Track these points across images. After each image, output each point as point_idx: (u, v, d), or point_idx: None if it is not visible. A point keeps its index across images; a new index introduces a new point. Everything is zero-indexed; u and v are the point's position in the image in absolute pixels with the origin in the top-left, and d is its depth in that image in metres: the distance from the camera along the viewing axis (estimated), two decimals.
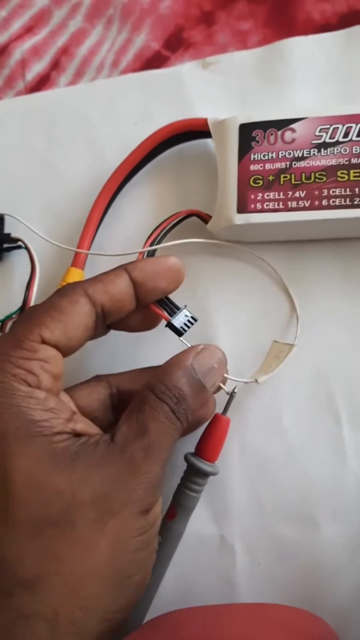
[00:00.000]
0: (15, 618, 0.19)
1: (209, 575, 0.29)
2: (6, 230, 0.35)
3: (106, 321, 0.26)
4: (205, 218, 0.31)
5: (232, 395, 0.28)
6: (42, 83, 0.37)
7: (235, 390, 0.28)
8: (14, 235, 0.34)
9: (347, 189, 0.27)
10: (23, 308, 0.32)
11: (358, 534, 0.28)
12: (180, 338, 0.29)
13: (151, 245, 0.31)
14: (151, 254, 0.31)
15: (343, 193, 0.28)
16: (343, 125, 0.28)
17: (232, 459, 0.30)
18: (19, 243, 0.33)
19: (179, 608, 0.27)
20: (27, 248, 0.33)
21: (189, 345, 0.29)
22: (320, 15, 0.33)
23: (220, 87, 0.34)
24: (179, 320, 0.29)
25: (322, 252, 0.31)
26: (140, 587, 0.22)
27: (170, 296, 0.30)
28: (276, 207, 0.28)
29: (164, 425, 0.23)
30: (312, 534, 0.28)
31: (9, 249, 0.35)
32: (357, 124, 0.28)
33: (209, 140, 0.33)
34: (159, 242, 0.30)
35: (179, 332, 0.29)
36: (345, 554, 0.28)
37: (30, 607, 0.19)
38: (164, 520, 0.28)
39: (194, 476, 0.27)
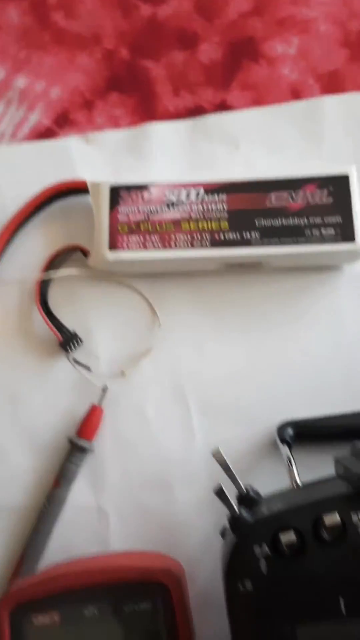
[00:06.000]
0: None
1: (88, 538, 0.36)
2: None
3: None
4: (86, 252, 0.40)
5: (104, 390, 0.37)
6: None
7: (107, 386, 0.37)
8: None
9: (188, 235, 0.38)
10: None
11: (204, 495, 0.36)
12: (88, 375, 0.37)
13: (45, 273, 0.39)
14: (46, 282, 0.39)
15: (185, 238, 0.38)
16: (185, 189, 0.38)
17: (107, 443, 0.37)
18: None
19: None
20: None
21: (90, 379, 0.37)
22: (174, 108, 0.45)
23: (97, 157, 0.43)
24: (67, 341, 0.38)
25: (175, 281, 0.40)
26: None
27: (61, 318, 0.38)
28: (138, 247, 0.38)
29: None
30: (169, 498, 0.37)
31: None
32: (194, 189, 0.38)
33: (88, 196, 0.42)
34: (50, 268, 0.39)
35: (66, 350, 0.38)
36: (194, 512, 0.36)
37: None
38: (51, 488, 0.35)
39: (74, 451, 0.35)
